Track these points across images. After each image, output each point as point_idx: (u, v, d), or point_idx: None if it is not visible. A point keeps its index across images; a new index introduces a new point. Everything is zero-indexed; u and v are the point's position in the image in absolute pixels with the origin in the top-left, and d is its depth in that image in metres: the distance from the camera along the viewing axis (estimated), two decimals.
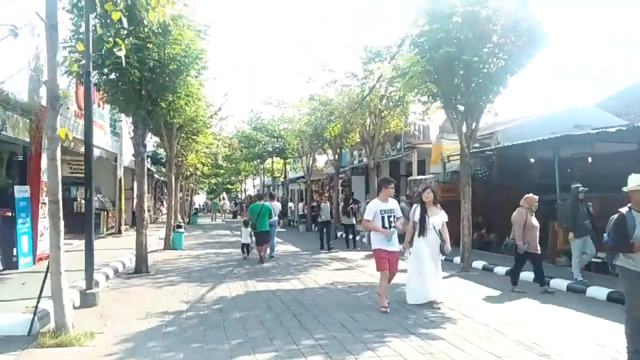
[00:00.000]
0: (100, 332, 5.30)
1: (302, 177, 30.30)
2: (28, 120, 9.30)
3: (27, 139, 9.34)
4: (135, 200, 23.69)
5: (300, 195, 36.39)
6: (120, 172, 19.42)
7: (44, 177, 10.12)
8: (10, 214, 9.11)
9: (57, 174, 4.88)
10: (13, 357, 4.38)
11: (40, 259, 9.92)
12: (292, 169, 37.29)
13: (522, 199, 8.21)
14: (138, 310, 6.51)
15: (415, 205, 7.25)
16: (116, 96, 9.89)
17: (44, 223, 10.08)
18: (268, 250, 12.37)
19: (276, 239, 13.68)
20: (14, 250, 9.04)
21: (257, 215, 11.74)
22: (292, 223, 29.24)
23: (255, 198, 14.25)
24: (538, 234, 8.07)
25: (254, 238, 12.10)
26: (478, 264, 10.44)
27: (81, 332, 5.03)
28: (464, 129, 10.36)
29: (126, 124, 17.40)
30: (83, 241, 15.33)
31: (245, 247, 12.44)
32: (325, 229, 14.56)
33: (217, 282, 8.77)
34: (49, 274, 4.99)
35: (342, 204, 16.58)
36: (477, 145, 12.33)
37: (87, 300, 6.74)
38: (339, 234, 17.62)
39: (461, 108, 10.23)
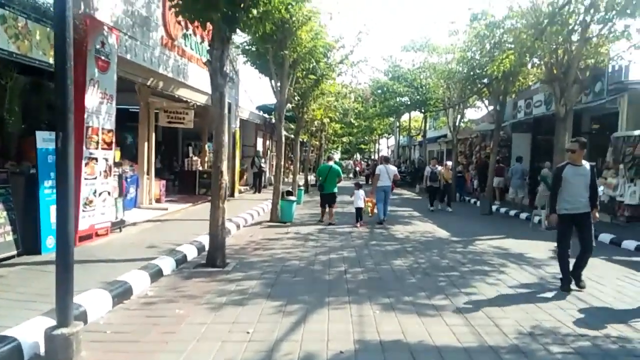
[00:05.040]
0: None
1: (444, 135, 25.37)
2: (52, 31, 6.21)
3: (51, 60, 6.19)
4: (266, 160, 21.13)
5: (440, 157, 31.34)
6: (234, 125, 16.71)
7: (91, 121, 7.23)
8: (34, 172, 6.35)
9: None
10: None
11: (87, 237, 7.19)
12: (432, 126, 32.28)
13: None
14: None
15: None
16: None
17: (92, 186, 7.29)
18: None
19: (413, 213, 9.98)
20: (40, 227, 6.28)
21: (324, 177, 11.68)
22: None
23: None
24: None
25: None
26: None
27: None
28: None
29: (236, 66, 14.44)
30: (182, 206, 12.96)
31: (360, 212, 11.46)
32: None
33: (312, 305, 5.03)
34: None
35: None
36: None
37: (53, 348, 3.48)
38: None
39: None
